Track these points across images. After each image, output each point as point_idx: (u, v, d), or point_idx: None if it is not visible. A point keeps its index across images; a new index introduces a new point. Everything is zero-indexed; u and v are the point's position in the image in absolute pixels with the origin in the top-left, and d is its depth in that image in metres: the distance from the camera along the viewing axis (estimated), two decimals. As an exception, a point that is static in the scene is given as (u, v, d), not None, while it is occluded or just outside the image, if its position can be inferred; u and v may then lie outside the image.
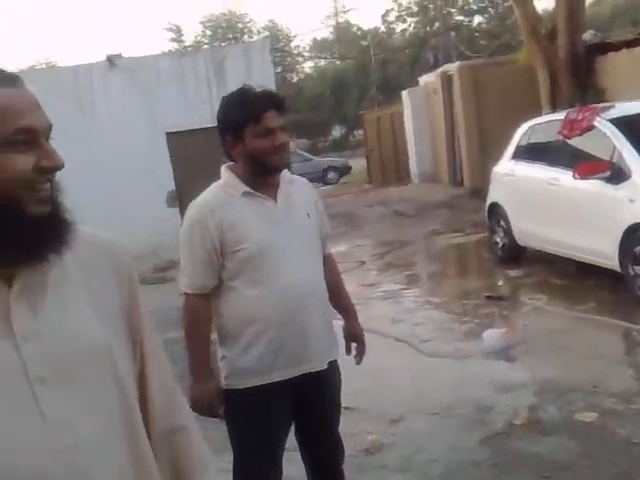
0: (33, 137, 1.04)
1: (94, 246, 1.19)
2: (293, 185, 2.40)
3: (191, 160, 9.61)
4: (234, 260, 2.24)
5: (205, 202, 2.29)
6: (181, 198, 10.09)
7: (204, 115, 10.02)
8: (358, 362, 2.67)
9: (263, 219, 2.27)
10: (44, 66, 31.43)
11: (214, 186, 2.34)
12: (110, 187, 10.12)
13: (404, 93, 16.82)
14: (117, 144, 10.23)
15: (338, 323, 2.67)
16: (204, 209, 2.27)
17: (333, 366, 2.45)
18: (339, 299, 2.65)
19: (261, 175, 2.29)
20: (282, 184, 2.35)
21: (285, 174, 2.38)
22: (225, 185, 2.32)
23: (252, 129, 2.22)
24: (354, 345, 2.67)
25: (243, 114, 2.23)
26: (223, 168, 2.36)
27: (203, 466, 1.29)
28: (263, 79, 11.18)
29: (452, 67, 14.70)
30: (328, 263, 2.58)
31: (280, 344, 2.27)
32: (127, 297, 1.21)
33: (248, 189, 2.28)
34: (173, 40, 38.32)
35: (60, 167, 1.07)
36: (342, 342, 2.65)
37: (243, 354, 2.27)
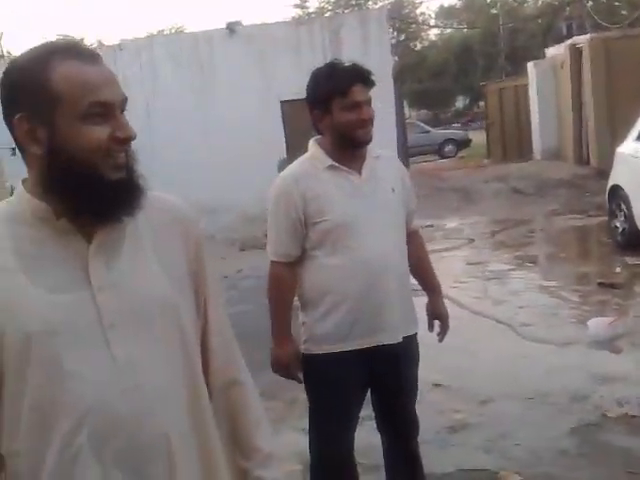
0: (108, 110, 1.15)
1: (164, 211, 1.30)
2: (379, 160, 2.43)
3: (303, 129, 9.73)
4: (316, 231, 2.32)
5: (291, 174, 2.39)
6: (292, 166, 10.30)
7: (319, 84, 10.12)
8: (440, 340, 2.69)
9: (346, 192, 2.32)
10: (173, 31, 32.68)
11: (301, 159, 2.43)
12: (225, 151, 10.46)
13: (530, 65, 16.18)
14: (234, 110, 10.52)
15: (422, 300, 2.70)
16: (289, 180, 2.36)
17: (411, 340, 2.48)
18: (424, 276, 2.67)
19: (347, 149, 2.34)
20: (368, 158, 2.38)
21: (372, 148, 2.41)
22: (311, 158, 2.39)
23: (339, 102, 2.28)
24: (437, 323, 2.69)
25: (331, 87, 2.28)
26: (311, 142, 2.44)
27: (257, 420, 1.39)
28: (379, 49, 11.13)
29: (582, 39, 13.93)
30: (414, 239, 2.60)
31: (356, 315, 2.34)
32: (193, 259, 1.31)
33: (333, 162, 2.33)
34: (297, 6, 38.50)
35: (132, 138, 1.18)
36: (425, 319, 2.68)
37: (321, 321, 2.37)
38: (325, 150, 2.37)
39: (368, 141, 2.35)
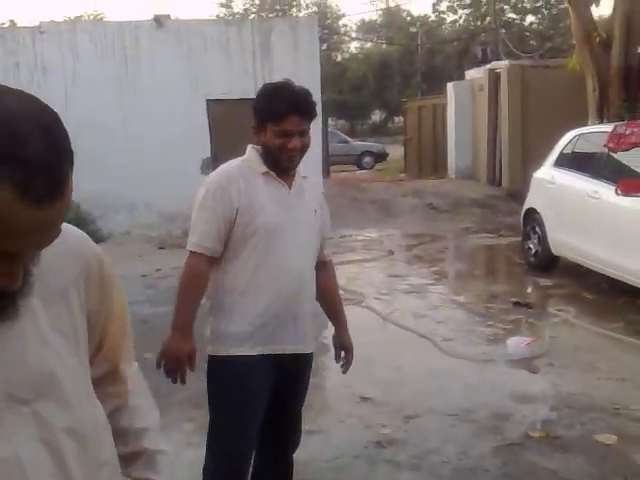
0: None
1: (55, 255, 1.04)
2: (306, 181, 2.52)
3: (229, 129, 9.54)
4: (239, 233, 2.32)
5: (227, 170, 2.41)
6: (215, 166, 10.10)
7: (246, 86, 9.98)
8: (344, 372, 2.75)
9: (277, 200, 2.37)
10: (92, 17, 31.47)
11: (237, 159, 2.46)
12: (147, 146, 10.13)
13: (449, 85, 16.60)
14: (157, 105, 10.20)
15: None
16: (227, 177, 2.36)
17: (309, 358, 2.56)
18: (332, 307, 2.72)
19: (272, 167, 2.39)
20: (297, 177, 2.46)
21: (300, 169, 2.47)
22: (248, 161, 2.42)
23: (272, 126, 2.32)
24: (342, 354, 2.74)
25: (267, 112, 2.31)
26: (249, 147, 2.47)
27: None
28: (309, 56, 11.11)
29: (501, 65, 14.45)
30: (326, 269, 2.64)
31: (266, 321, 2.35)
32: (92, 297, 1.16)
33: (268, 170, 2.38)
34: (222, 6, 38.29)
35: None
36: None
37: (228, 324, 2.36)
38: (261, 158, 2.41)
39: (292, 167, 2.40)
